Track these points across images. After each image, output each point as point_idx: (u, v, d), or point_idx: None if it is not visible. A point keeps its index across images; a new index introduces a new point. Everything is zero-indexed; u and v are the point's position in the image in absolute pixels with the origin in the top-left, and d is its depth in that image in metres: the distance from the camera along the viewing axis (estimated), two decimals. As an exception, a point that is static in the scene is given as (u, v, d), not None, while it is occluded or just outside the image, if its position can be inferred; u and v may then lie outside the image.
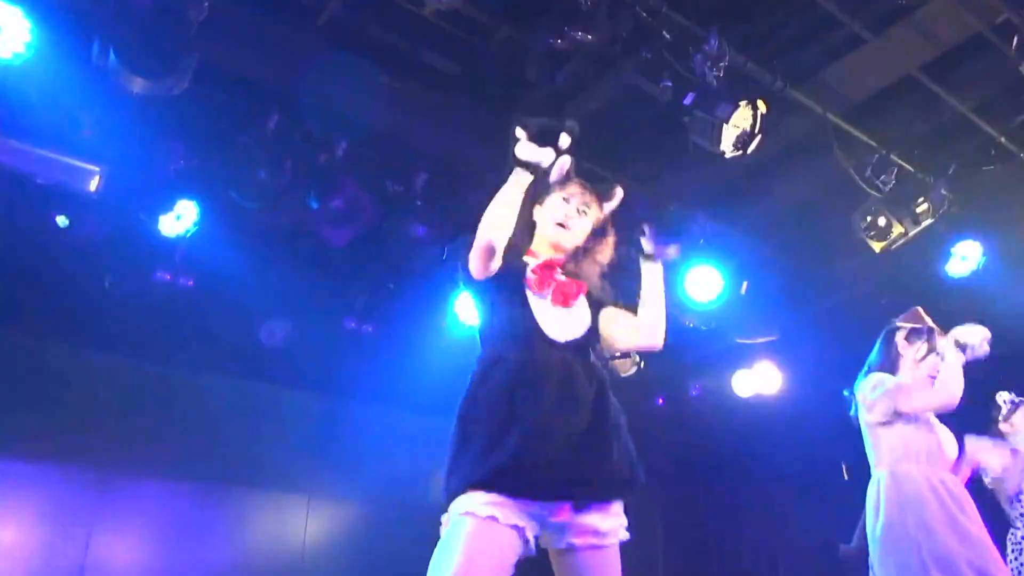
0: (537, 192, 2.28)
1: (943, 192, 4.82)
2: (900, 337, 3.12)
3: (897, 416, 2.93)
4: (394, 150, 4.75)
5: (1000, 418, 3.85)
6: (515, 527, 1.91)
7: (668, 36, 3.67)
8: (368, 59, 4.20)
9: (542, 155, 2.03)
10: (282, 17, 3.92)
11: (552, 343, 2.08)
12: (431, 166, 4.83)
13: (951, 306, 5.28)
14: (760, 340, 6.61)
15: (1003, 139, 4.60)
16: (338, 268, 5.66)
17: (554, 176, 2.21)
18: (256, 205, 4.40)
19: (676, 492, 8.15)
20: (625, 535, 2.07)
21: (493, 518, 1.87)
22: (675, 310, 5.85)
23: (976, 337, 2.89)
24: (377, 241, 5.07)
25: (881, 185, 4.67)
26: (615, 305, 2.31)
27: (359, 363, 6.57)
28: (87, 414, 5.89)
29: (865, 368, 3.14)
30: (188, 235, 4.62)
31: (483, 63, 4.43)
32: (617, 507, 2.06)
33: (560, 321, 2.12)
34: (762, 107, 3.68)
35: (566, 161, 2.18)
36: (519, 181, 2.09)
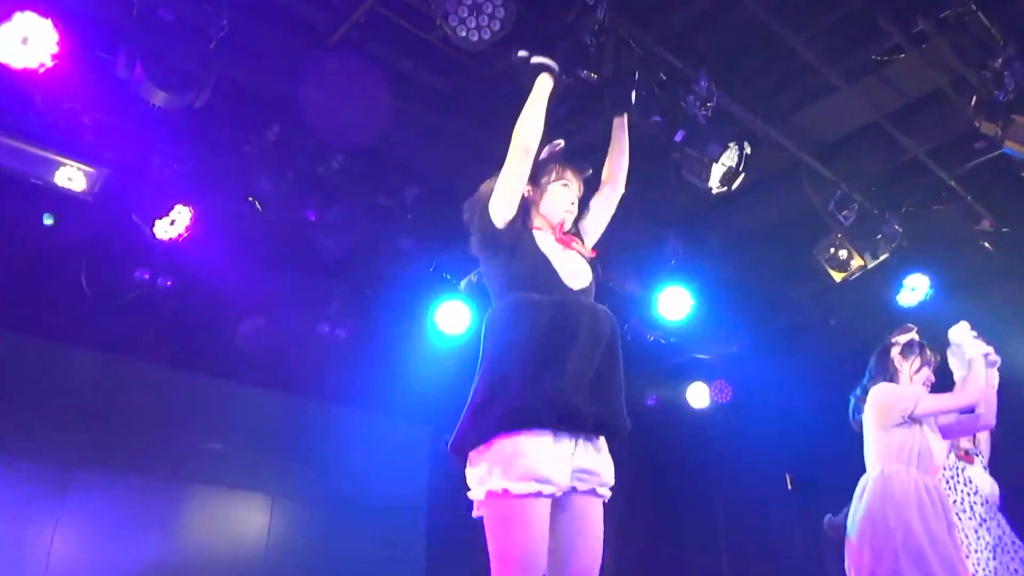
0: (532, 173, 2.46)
1: (896, 227, 5.22)
2: (895, 352, 3.36)
3: (904, 421, 3.18)
4: (388, 165, 4.90)
5: None
6: (552, 495, 2.04)
7: (664, 77, 3.92)
8: (371, 77, 4.35)
9: (549, 60, 2.41)
10: (295, 35, 4.04)
11: (570, 290, 2.28)
12: (422, 181, 4.99)
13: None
14: (717, 355, 6.97)
15: (953, 183, 5.00)
16: (318, 273, 5.76)
17: (546, 154, 2.49)
18: (256, 212, 4.49)
19: (627, 498, 8.46)
20: (608, 493, 2.21)
21: (537, 494, 2.00)
22: (646, 329, 6.15)
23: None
24: (360, 249, 5.21)
25: (843, 219, 5.03)
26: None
27: (330, 366, 6.67)
28: (52, 410, 5.83)
29: (866, 378, 3.37)
30: (180, 239, 4.68)
31: (481, 86, 4.62)
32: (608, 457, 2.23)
33: (572, 270, 2.33)
34: (747, 148, 3.97)
35: (560, 143, 2.52)
36: (541, 86, 2.41)
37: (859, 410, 3.34)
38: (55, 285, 5.33)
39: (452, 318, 5.60)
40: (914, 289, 5.36)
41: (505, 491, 2.01)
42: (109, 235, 4.85)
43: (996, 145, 4.33)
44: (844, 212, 5.03)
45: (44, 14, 3.13)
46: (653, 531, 8.59)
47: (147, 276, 5.56)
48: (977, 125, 4.04)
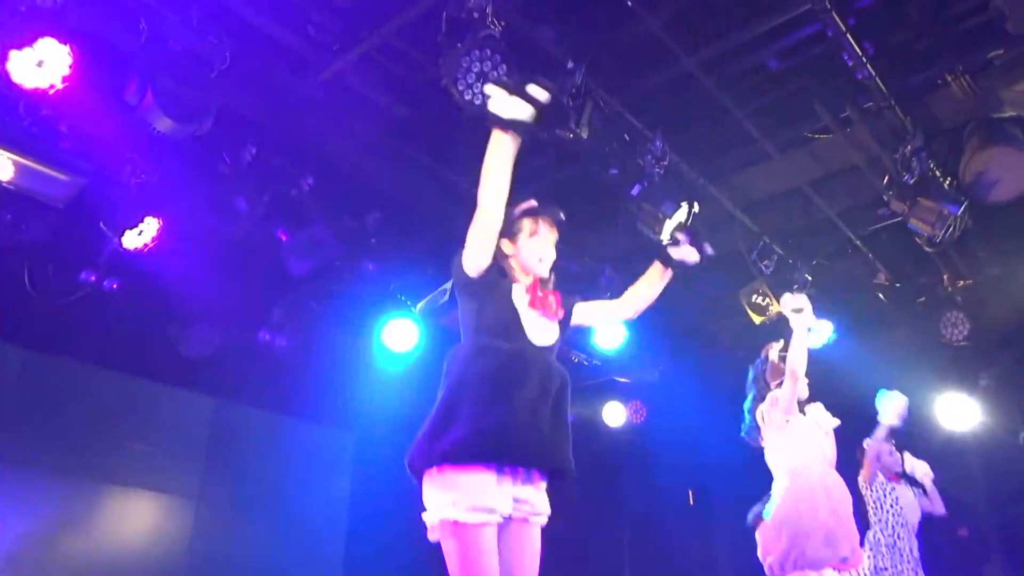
0: (508, 228, 2.55)
1: (806, 276, 5.86)
2: (774, 357, 4.07)
3: (787, 422, 3.80)
4: (356, 189, 5.12)
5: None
6: (497, 522, 2.31)
7: (627, 137, 4.35)
8: (350, 109, 4.58)
9: (519, 110, 2.14)
10: (287, 67, 4.22)
11: (531, 344, 2.49)
12: (386, 206, 5.24)
13: (808, 371, 6.33)
14: (637, 379, 7.47)
15: (858, 242, 5.67)
16: (270, 284, 5.87)
17: (518, 212, 2.57)
18: (219, 226, 4.63)
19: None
20: (543, 520, 2.44)
21: (485, 524, 2.27)
22: (571, 350, 6.57)
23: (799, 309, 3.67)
24: (323, 267, 5.37)
25: (763, 268, 5.62)
26: (583, 300, 2.74)
27: (263, 373, 6.73)
28: (-25, 406, 5.72)
29: (757, 391, 4.03)
30: (145, 248, 4.75)
31: (446, 121, 4.90)
32: (545, 492, 2.46)
33: (538, 329, 2.52)
34: (696, 207, 4.46)
35: (532, 203, 2.60)
36: (501, 145, 2.21)
37: (754, 426, 3.90)
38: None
39: (399, 336, 5.82)
40: (819, 333, 6.01)
41: (456, 521, 2.26)
42: (68, 240, 4.86)
43: (898, 215, 4.97)
44: (765, 262, 5.61)
45: (64, 40, 3.22)
46: (559, 542, 8.98)
47: (93, 278, 5.56)
48: (887, 201, 4.65)
